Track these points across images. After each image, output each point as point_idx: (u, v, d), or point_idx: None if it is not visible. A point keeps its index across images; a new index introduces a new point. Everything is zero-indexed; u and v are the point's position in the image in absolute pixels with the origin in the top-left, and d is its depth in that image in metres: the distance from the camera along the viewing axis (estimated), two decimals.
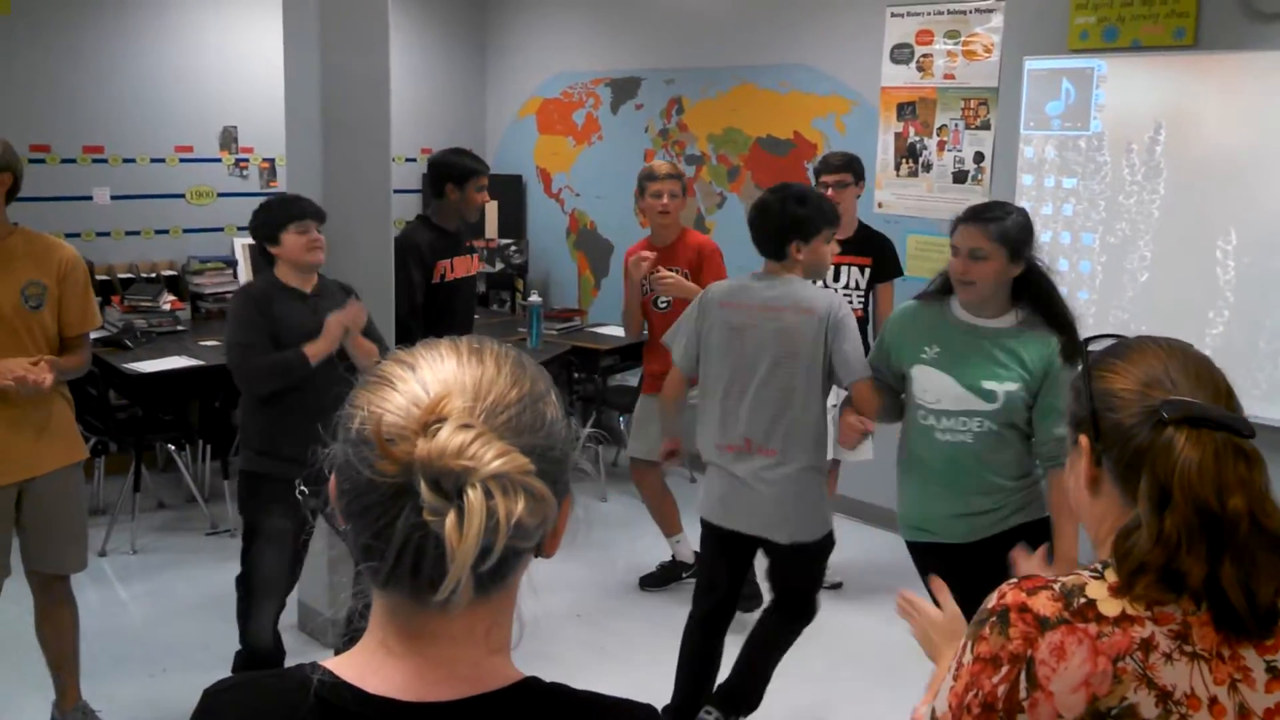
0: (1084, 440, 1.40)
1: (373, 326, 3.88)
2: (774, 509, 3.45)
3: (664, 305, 4.87)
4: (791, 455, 3.41)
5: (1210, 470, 1.26)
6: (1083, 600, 1.31)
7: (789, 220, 3.41)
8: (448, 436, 0.92)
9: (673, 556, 5.12)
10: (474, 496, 0.90)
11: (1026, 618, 1.32)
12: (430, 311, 4.61)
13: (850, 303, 4.81)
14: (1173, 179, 4.66)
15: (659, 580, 5.11)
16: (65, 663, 3.67)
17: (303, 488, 3.43)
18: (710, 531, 3.62)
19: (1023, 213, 3.16)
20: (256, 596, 3.73)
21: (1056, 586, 1.33)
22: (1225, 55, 4.50)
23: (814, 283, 3.60)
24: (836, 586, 5.03)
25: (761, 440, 3.42)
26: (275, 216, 3.69)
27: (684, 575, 5.04)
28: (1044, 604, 1.32)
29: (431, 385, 0.97)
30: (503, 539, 0.90)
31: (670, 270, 4.76)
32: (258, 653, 3.79)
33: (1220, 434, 1.28)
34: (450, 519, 0.90)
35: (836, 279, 4.89)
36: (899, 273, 5.01)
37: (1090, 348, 1.45)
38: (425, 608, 0.96)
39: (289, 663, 4.15)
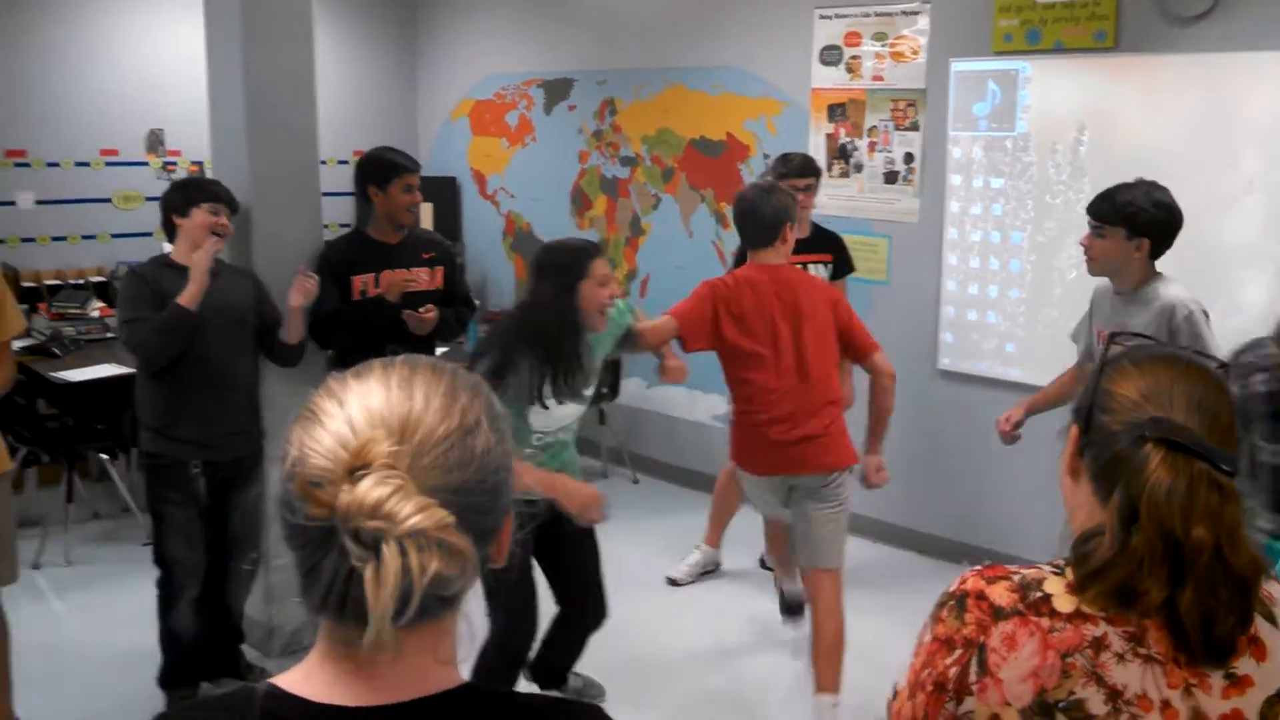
0: (1074, 429, 1.42)
1: (268, 303, 4.03)
2: None
3: None
4: None
5: (1180, 497, 1.26)
6: (1039, 594, 1.34)
7: None
8: (367, 490, 0.93)
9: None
10: (389, 554, 0.91)
11: (983, 605, 1.35)
12: (349, 329, 4.25)
13: None
14: (1096, 178, 4.76)
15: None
16: None
17: (196, 466, 3.58)
18: None
19: None
20: (174, 588, 3.85)
21: (1016, 578, 1.36)
22: (1144, 57, 4.62)
23: None
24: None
25: None
26: (191, 192, 3.85)
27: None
28: (1001, 594, 1.35)
29: (359, 423, 0.99)
30: (419, 593, 0.92)
31: None
32: (182, 643, 3.89)
33: (1199, 463, 1.28)
34: (370, 570, 0.92)
35: None
36: (852, 269, 5.10)
37: (1118, 342, 1.45)
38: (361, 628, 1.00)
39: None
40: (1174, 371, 1.37)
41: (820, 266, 4.95)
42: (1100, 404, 1.38)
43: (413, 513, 0.92)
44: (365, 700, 1.01)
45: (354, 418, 0.99)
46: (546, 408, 3.37)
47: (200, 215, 3.77)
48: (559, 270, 3.36)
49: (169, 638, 3.90)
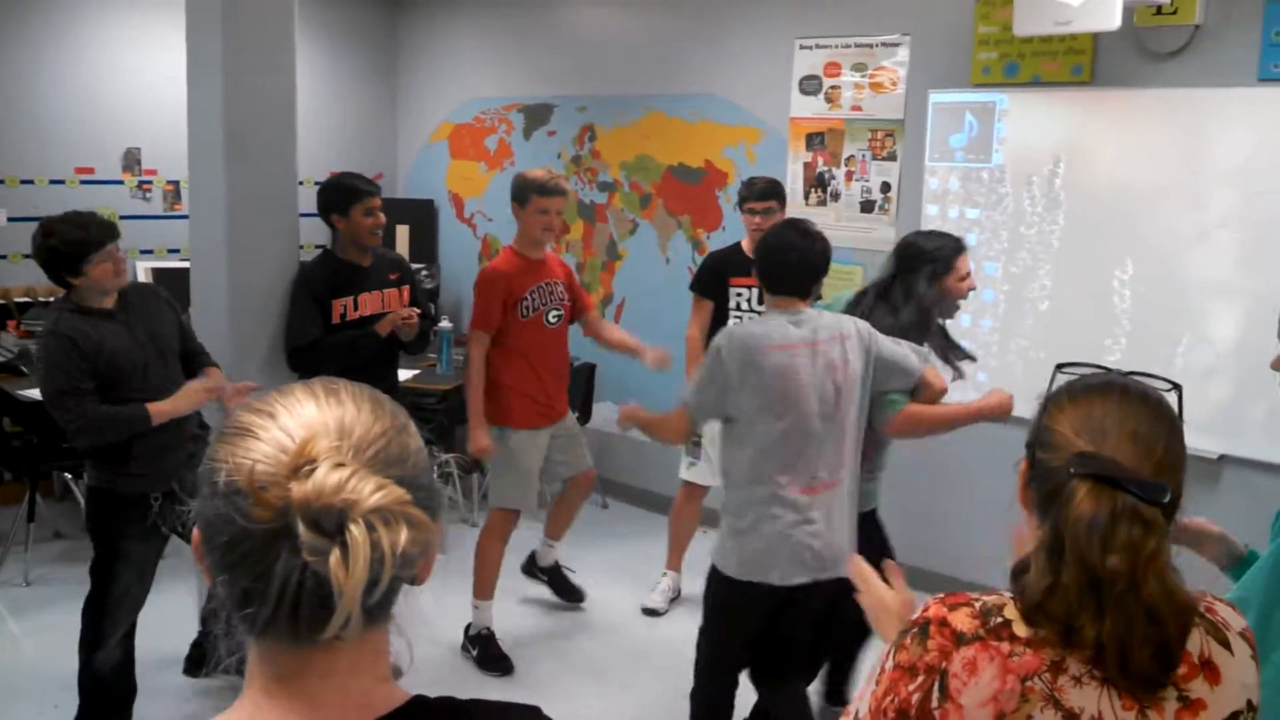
0: (1024, 464, 1.44)
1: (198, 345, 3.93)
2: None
3: (555, 320, 4.62)
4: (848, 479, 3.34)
5: (1101, 529, 1.27)
6: (999, 620, 1.35)
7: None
8: (324, 475, 0.93)
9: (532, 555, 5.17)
10: (357, 531, 0.91)
11: (945, 631, 1.36)
12: (334, 354, 4.23)
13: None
14: (1071, 210, 4.79)
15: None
16: None
17: (155, 496, 3.45)
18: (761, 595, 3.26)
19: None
20: (112, 621, 3.65)
21: (977, 604, 1.38)
22: (1120, 92, 4.64)
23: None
24: None
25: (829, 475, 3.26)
26: (76, 249, 3.45)
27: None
28: (962, 620, 1.37)
29: (295, 430, 0.98)
30: (389, 570, 0.92)
31: (554, 283, 4.61)
32: (104, 678, 3.68)
33: (1125, 496, 1.28)
34: (334, 556, 0.91)
35: (735, 306, 4.98)
36: (817, 296, 5.03)
37: (1065, 372, 1.46)
38: (308, 647, 0.97)
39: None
40: (1108, 402, 1.38)
41: (758, 291, 4.90)
42: (1040, 440, 1.40)
43: (374, 490, 0.93)
44: None
45: (288, 425, 0.99)
46: None
47: (98, 270, 3.49)
48: (932, 260, 3.57)
49: (92, 678, 3.66)
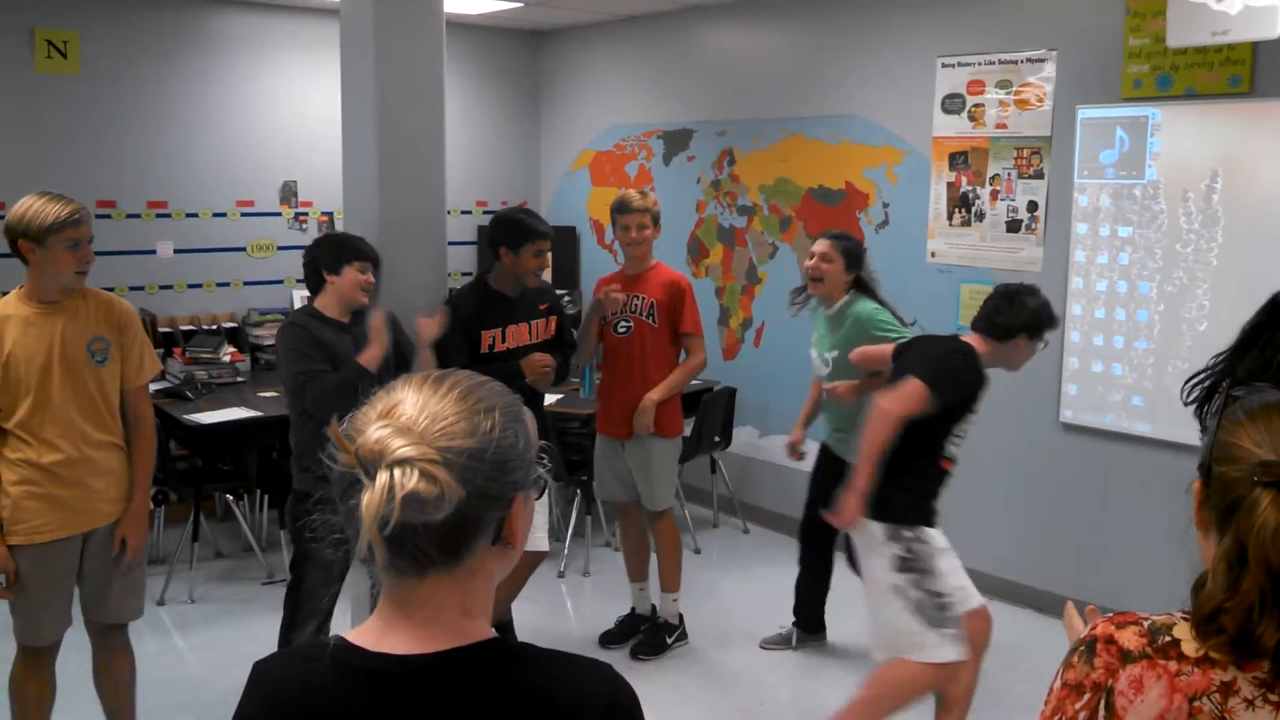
0: (1197, 484, 1.41)
1: (404, 338, 4.20)
2: None
3: (624, 330, 4.81)
4: None
5: None
6: (1167, 639, 1.34)
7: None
8: (373, 432, 1.18)
9: (632, 609, 5.09)
10: (381, 475, 1.15)
11: (1111, 649, 1.37)
12: None
13: None
14: (1231, 227, 4.61)
15: (617, 637, 5.02)
16: (122, 713, 3.71)
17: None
18: None
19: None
20: (300, 617, 4.00)
21: (1146, 623, 1.38)
22: None
23: None
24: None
25: None
26: (343, 251, 4.03)
27: (641, 629, 5.03)
28: (1129, 638, 1.37)
29: (390, 402, 1.23)
30: (397, 509, 1.14)
31: (636, 296, 4.84)
32: None
33: None
34: (367, 493, 1.15)
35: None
36: None
37: (1232, 394, 1.42)
38: (400, 578, 1.22)
39: None
40: None
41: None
42: (1218, 455, 1.36)
43: (402, 445, 1.16)
44: (407, 649, 1.22)
45: (391, 399, 1.24)
46: None
47: (351, 274, 3.96)
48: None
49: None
